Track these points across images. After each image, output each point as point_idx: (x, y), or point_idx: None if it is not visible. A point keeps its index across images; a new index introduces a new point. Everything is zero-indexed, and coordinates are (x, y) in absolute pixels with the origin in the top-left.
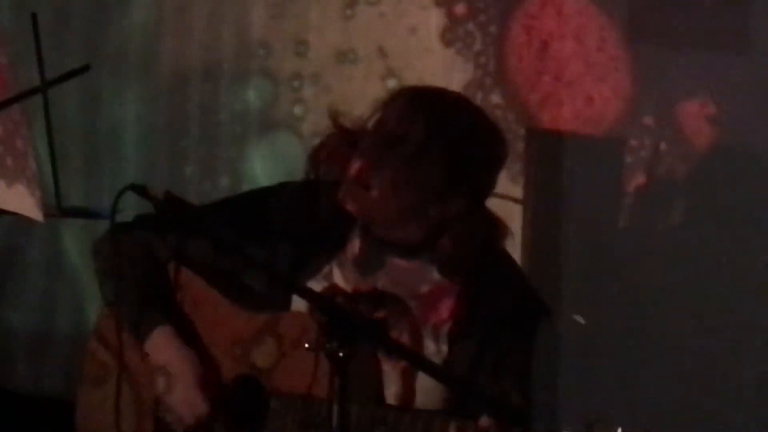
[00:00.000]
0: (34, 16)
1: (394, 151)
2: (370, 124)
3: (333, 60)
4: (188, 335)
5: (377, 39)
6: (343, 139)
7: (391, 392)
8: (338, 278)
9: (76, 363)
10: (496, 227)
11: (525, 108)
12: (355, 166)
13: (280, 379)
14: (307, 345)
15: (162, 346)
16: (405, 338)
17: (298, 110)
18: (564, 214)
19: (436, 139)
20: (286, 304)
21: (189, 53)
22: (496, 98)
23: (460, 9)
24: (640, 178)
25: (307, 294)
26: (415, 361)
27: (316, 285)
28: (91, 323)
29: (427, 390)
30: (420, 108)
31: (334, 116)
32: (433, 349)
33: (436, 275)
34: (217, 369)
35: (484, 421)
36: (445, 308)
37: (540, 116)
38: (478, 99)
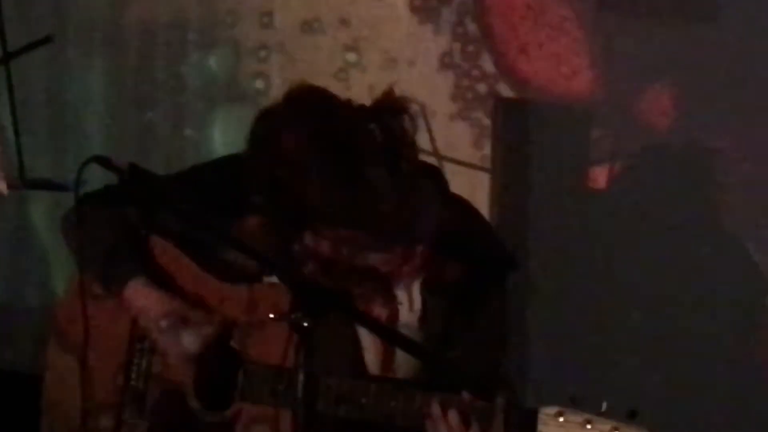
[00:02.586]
0: None
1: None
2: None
3: (298, 30)
4: (164, 284)
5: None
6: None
7: (371, 360)
8: (311, 243)
9: (42, 335)
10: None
11: (513, 74)
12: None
13: (255, 349)
14: (272, 315)
15: (140, 295)
16: (377, 300)
17: (260, 84)
18: (532, 182)
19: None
20: (259, 275)
21: (156, 22)
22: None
23: None
24: (607, 146)
25: (270, 263)
26: (381, 331)
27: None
28: (58, 296)
29: (407, 358)
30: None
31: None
32: (407, 306)
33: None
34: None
35: (465, 395)
36: (415, 264)
37: (527, 83)
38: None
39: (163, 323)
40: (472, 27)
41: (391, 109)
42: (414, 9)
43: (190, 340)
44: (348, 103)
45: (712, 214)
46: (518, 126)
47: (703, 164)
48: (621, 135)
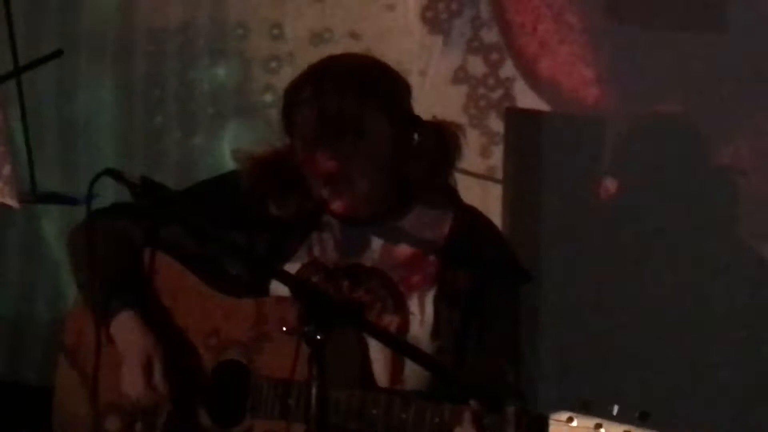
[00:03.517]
0: (6, 1)
1: (354, 138)
2: (302, 118)
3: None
4: (159, 321)
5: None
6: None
7: (379, 373)
8: (319, 254)
9: (53, 349)
10: (447, 129)
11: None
12: (326, 165)
13: (264, 363)
14: (285, 328)
15: (122, 330)
16: (389, 309)
17: (269, 97)
18: (543, 193)
19: (378, 107)
20: (265, 289)
21: (165, 35)
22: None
23: None
24: (617, 156)
25: (283, 277)
26: (392, 342)
27: (297, 262)
28: (68, 309)
29: (415, 370)
30: (349, 85)
31: (243, 158)
32: (419, 318)
33: (414, 241)
34: (191, 354)
35: (474, 404)
36: (428, 275)
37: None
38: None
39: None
40: (487, 35)
41: (448, 130)
42: (425, 20)
43: (142, 397)
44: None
45: (722, 223)
46: (530, 135)
47: (714, 174)
48: (633, 145)
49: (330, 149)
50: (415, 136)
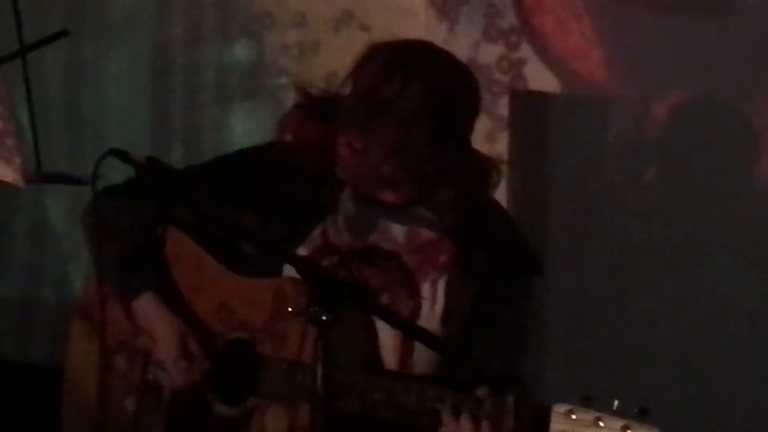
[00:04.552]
0: None
1: (383, 117)
2: (347, 89)
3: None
4: (174, 298)
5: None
6: (309, 109)
7: (388, 356)
8: (333, 237)
9: (61, 330)
10: (489, 164)
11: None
12: (345, 135)
13: (272, 343)
14: (290, 309)
15: (146, 313)
16: (402, 294)
17: (284, 79)
18: (549, 174)
19: (423, 97)
20: (278, 268)
21: (174, 19)
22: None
23: None
24: (623, 137)
25: (289, 257)
26: (399, 323)
27: (310, 244)
28: (76, 290)
29: (425, 351)
30: (399, 66)
31: (300, 86)
32: (430, 303)
33: (427, 231)
34: (205, 332)
35: (482, 391)
36: (441, 261)
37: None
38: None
39: (161, 355)
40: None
41: (489, 165)
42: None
43: (180, 378)
44: None
45: (731, 212)
46: (536, 118)
47: (722, 160)
48: (640, 129)
49: (355, 122)
50: (455, 156)
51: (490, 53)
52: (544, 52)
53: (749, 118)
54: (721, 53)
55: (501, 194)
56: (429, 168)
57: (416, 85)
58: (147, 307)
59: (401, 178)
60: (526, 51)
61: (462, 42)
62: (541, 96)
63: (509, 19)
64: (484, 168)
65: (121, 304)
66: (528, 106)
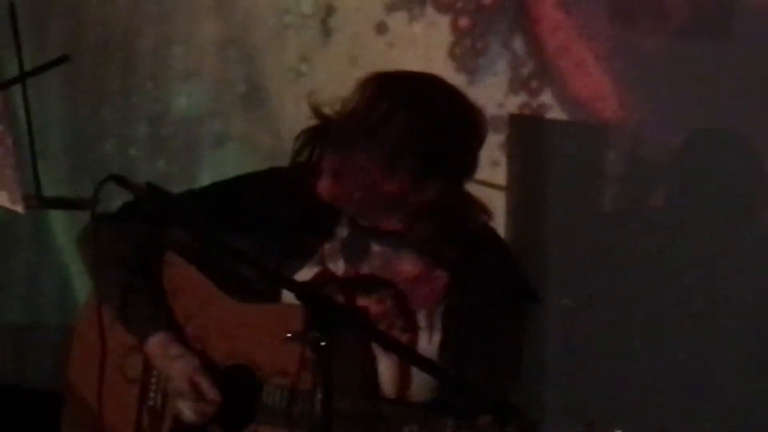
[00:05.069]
0: (11, 7)
1: (369, 142)
2: (344, 113)
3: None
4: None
5: None
6: (320, 128)
7: (386, 383)
8: (331, 264)
9: (61, 353)
10: (476, 209)
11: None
12: (330, 159)
13: (271, 369)
14: (289, 335)
15: (159, 354)
16: (399, 323)
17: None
18: (547, 200)
19: (410, 126)
20: (277, 294)
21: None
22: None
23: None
24: (622, 163)
25: (287, 283)
26: (397, 348)
27: (309, 271)
28: (77, 313)
29: (423, 379)
30: (390, 95)
31: (315, 105)
32: (428, 333)
33: (425, 254)
34: (210, 362)
35: (483, 419)
36: (438, 290)
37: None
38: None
39: (176, 392)
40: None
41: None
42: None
43: (190, 414)
44: None
45: (734, 237)
46: (534, 143)
47: (720, 183)
48: (637, 153)
49: (341, 145)
50: (438, 191)
51: (512, 103)
52: (564, 95)
53: (752, 144)
54: (724, 79)
55: (500, 219)
56: (411, 200)
57: (401, 111)
58: (159, 348)
59: (383, 206)
60: (547, 96)
61: (481, 93)
62: (541, 121)
63: (529, 66)
64: (467, 208)
65: (135, 339)
66: (528, 132)
